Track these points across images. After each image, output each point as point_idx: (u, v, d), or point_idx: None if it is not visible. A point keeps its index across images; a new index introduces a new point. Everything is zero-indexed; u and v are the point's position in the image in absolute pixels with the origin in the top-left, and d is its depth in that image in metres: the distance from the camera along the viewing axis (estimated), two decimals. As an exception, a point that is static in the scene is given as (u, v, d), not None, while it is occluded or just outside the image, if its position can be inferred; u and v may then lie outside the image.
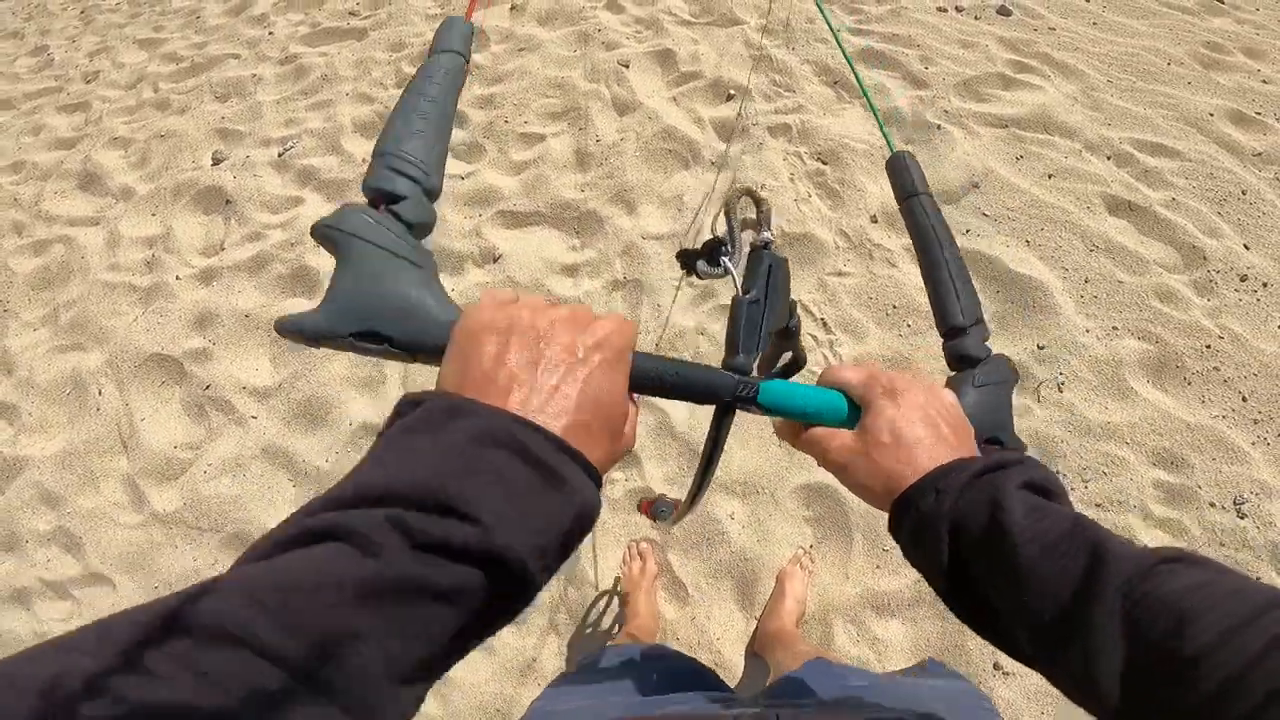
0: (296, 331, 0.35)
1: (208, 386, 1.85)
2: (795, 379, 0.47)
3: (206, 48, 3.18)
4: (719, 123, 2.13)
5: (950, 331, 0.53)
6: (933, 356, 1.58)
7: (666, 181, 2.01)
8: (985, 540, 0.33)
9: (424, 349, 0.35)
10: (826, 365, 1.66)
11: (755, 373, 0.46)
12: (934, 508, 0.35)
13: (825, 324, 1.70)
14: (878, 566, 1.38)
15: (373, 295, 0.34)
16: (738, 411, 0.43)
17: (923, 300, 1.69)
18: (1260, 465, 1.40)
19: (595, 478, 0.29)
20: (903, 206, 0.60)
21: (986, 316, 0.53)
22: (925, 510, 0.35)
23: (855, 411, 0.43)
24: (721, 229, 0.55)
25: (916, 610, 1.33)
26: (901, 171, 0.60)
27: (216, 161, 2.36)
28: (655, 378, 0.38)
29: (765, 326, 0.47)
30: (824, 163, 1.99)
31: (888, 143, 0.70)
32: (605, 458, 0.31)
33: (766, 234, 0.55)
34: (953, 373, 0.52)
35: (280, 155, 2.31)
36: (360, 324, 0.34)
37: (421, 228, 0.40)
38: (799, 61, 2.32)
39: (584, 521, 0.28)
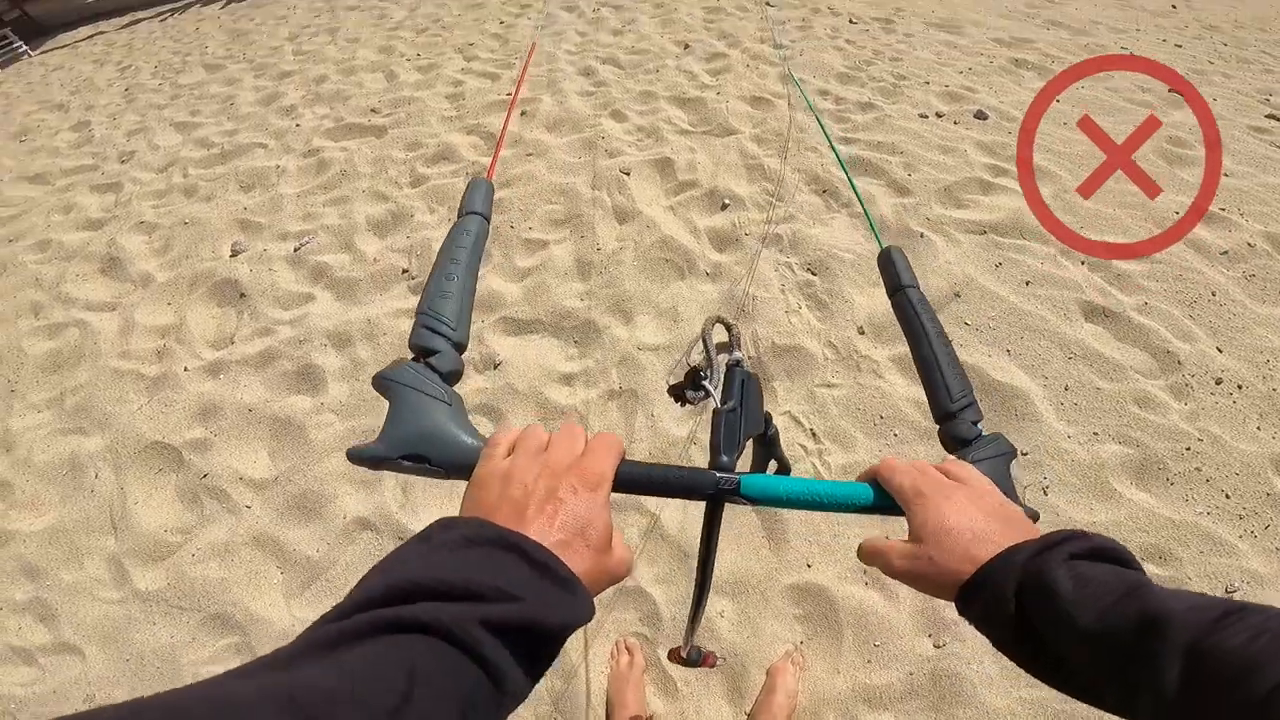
0: (361, 457, 0.45)
1: (205, 475, 1.87)
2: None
3: (237, 135, 3.39)
4: (714, 232, 2.25)
5: (942, 416, 0.57)
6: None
7: (663, 291, 2.09)
8: (1046, 616, 0.37)
9: (453, 468, 0.45)
10: (815, 473, 1.70)
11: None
12: (991, 599, 0.38)
13: (814, 434, 1.74)
14: (868, 661, 1.36)
15: (415, 427, 0.45)
16: (731, 510, 0.49)
17: (909, 410, 1.75)
18: (1250, 556, 1.40)
19: (574, 578, 0.36)
20: (892, 300, 0.65)
21: None
22: (984, 603, 0.39)
23: (882, 500, 0.47)
24: (698, 355, 0.62)
25: (908, 703, 1.30)
26: (889, 267, 0.66)
27: (235, 253, 2.47)
28: (644, 481, 0.46)
29: (743, 431, 0.54)
30: (813, 273, 2.09)
31: (876, 239, 0.76)
32: (592, 567, 0.38)
33: (738, 354, 0.62)
34: (950, 455, 0.55)
35: (296, 250, 2.42)
36: (407, 449, 0.45)
37: (452, 375, 0.50)
38: (790, 170, 2.47)
39: (575, 613, 0.36)
